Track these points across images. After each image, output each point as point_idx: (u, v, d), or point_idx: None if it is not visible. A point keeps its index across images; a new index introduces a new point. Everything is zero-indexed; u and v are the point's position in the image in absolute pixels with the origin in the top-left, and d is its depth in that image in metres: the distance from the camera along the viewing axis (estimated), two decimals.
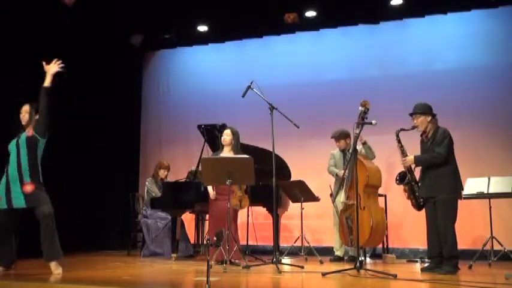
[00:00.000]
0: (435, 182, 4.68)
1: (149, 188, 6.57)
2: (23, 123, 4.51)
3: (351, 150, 5.75)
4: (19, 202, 4.25)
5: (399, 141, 4.96)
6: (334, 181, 6.16)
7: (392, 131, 5.04)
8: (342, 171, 5.90)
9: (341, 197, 5.72)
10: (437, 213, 4.67)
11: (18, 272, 4.27)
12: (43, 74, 6.77)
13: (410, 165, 4.92)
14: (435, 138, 4.75)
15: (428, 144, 4.81)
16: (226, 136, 5.44)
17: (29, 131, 4.45)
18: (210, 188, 5.39)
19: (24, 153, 4.35)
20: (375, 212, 5.49)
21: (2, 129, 6.14)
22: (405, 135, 4.99)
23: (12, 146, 4.43)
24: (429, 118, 4.81)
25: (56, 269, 4.20)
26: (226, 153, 5.42)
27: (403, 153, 4.93)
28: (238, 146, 5.45)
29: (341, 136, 6.08)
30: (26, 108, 4.55)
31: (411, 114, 4.89)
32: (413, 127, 4.88)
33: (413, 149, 5.00)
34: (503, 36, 7.07)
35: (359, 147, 5.57)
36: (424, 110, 4.83)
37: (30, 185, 4.28)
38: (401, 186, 5.01)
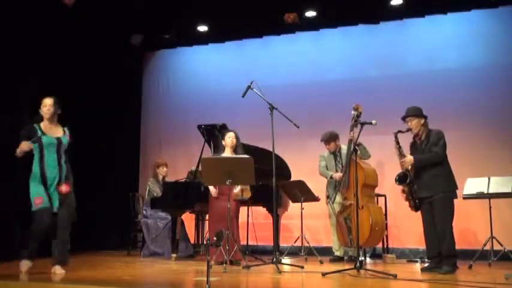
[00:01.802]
0: (432, 182, 4.72)
1: (151, 187, 6.57)
2: (47, 116, 4.37)
3: (347, 152, 5.76)
4: (56, 203, 4.25)
5: (397, 143, 4.98)
6: (326, 182, 6.17)
7: (391, 131, 5.04)
8: (337, 174, 5.91)
9: (338, 198, 5.74)
10: (434, 214, 4.69)
11: (18, 272, 4.27)
12: (43, 74, 6.81)
13: (408, 166, 4.92)
14: (430, 139, 4.81)
15: (423, 146, 4.85)
16: (229, 138, 5.44)
17: (69, 135, 4.44)
18: (211, 186, 5.39)
19: (65, 155, 4.38)
20: (374, 211, 5.52)
21: (3, 127, 6.17)
22: (399, 137, 5.00)
23: (50, 141, 4.31)
24: (422, 121, 4.88)
25: (59, 271, 4.22)
26: (228, 154, 5.42)
27: (402, 154, 4.94)
28: (240, 151, 5.47)
29: (331, 139, 6.08)
30: (50, 101, 4.40)
31: (404, 118, 4.94)
32: (408, 129, 4.93)
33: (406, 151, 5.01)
34: (503, 36, 7.07)
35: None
36: (417, 112, 4.90)
37: (66, 185, 4.32)
38: (400, 187, 5.01)
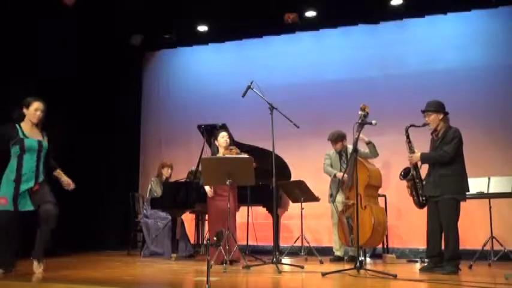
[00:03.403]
0: (440, 181, 4.63)
1: (152, 187, 6.57)
2: (34, 120, 4.28)
3: (350, 151, 5.76)
4: (27, 205, 4.16)
5: (408, 137, 4.90)
6: (330, 181, 6.17)
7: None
8: (341, 173, 5.90)
9: (341, 197, 5.73)
10: (439, 213, 4.65)
11: (18, 272, 4.27)
12: (42, 74, 6.81)
13: (416, 162, 4.90)
14: (445, 137, 4.70)
15: (437, 143, 4.75)
16: (222, 138, 5.44)
17: (46, 140, 4.36)
18: (206, 186, 5.37)
19: (43, 158, 4.30)
20: (376, 212, 5.51)
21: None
22: (415, 132, 4.92)
23: (31, 145, 4.23)
24: (441, 116, 4.75)
25: (38, 268, 4.18)
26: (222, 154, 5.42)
27: (411, 150, 4.89)
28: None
29: (338, 138, 6.08)
30: (43, 106, 4.33)
31: (423, 112, 4.81)
32: (425, 124, 4.81)
33: (421, 146, 4.96)
34: (503, 36, 7.07)
35: (361, 149, 5.58)
36: (437, 107, 4.77)
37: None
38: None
